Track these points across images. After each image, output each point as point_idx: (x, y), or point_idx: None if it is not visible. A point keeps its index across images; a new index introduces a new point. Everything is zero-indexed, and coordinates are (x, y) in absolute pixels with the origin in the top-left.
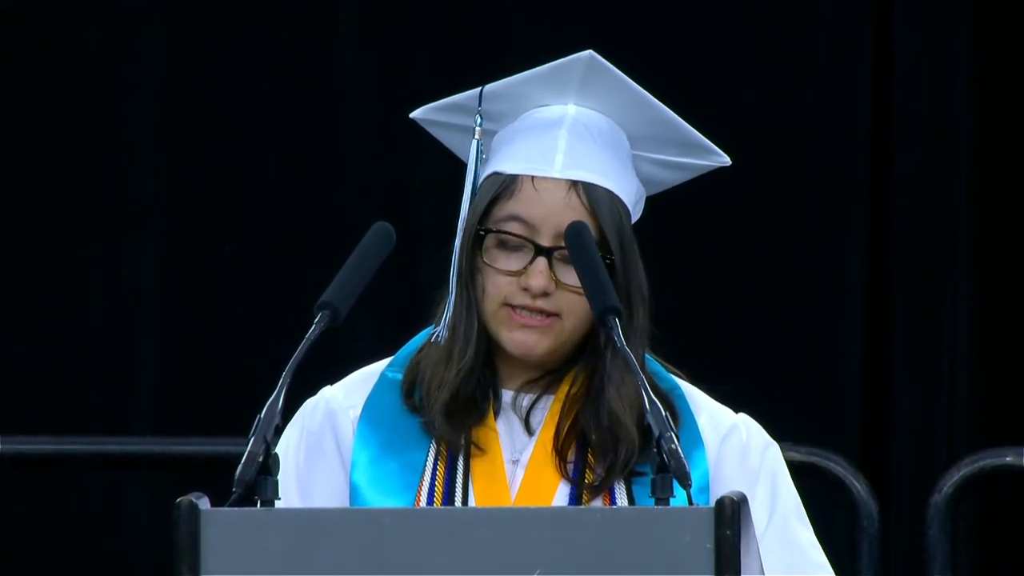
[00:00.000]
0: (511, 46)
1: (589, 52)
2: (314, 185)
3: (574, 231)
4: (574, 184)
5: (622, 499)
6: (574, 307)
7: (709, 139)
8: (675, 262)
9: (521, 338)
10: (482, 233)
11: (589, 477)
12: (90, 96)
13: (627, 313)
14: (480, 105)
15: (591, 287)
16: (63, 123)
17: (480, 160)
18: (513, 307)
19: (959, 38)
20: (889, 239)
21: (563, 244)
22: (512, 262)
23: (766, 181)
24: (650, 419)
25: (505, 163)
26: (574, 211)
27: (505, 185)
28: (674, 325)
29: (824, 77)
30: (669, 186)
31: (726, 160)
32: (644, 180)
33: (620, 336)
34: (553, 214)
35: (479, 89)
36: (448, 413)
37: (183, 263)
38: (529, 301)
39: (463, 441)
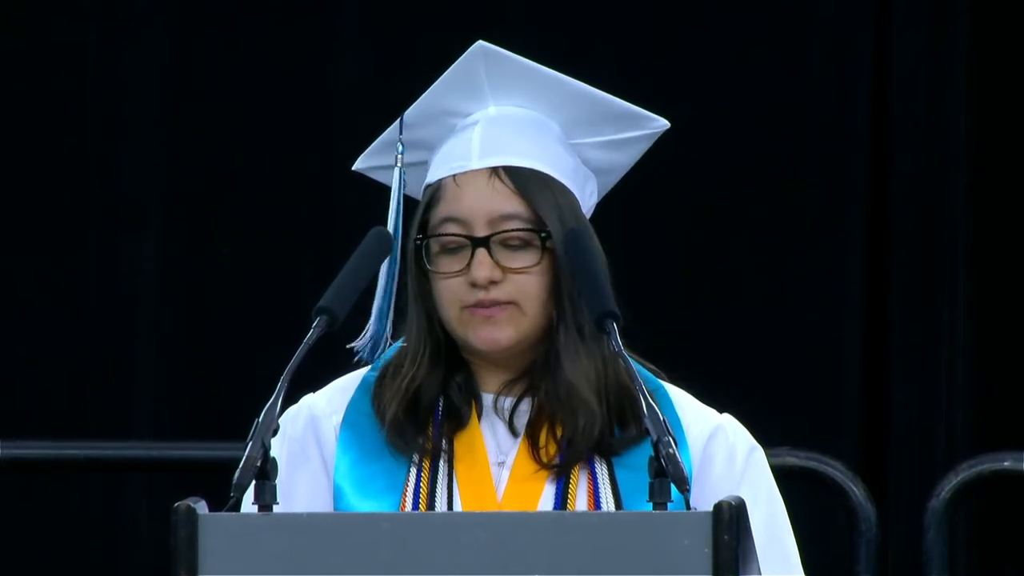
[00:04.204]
0: (511, 47)
1: (479, 43)
2: (313, 188)
3: (571, 237)
4: (494, 170)
5: (604, 484)
6: (528, 289)
7: (707, 141)
8: (673, 263)
9: (486, 334)
10: (418, 242)
11: (574, 478)
12: (90, 96)
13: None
14: (402, 134)
15: (587, 292)
16: (62, 123)
17: (403, 187)
18: (471, 307)
19: (957, 39)
20: (887, 241)
21: (500, 230)
22: (455, 263)
23: (764, 182)
24: (648, 423)
25: (432, 173)
26: (500, 195)
27: (433, 193)
28: (672, 327)
29: (823, 78)
30: (623, 169)
31: (663, 123)
32: (595, 169)
33: (618, 341)
34: (481, 204)
35: (399, 119)
36: (399, 425)
37: (181, 265)
38: (482, 295)
39: (445, 445)
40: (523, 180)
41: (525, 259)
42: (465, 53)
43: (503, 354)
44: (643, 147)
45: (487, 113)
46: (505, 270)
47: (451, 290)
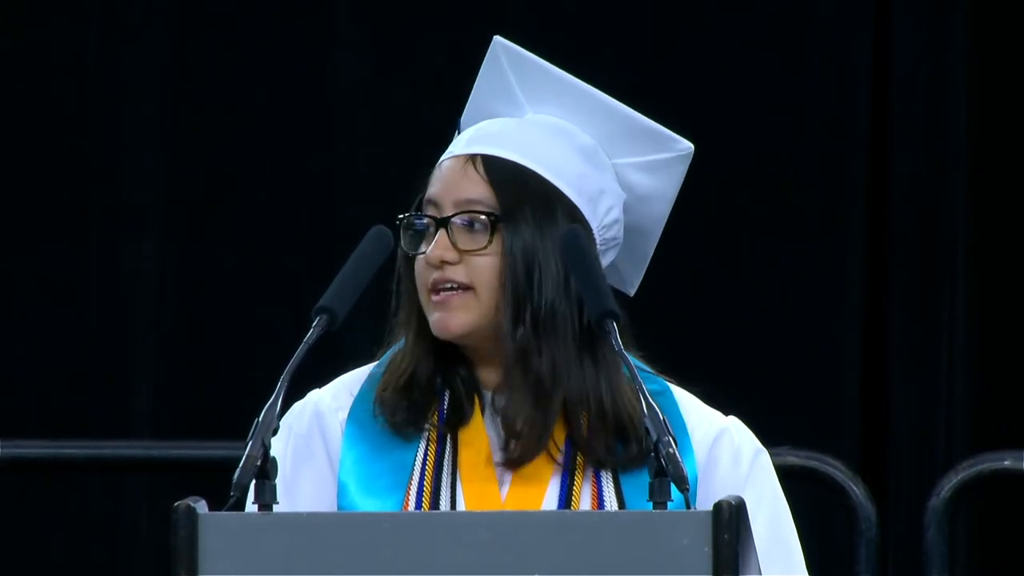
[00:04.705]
0: None
1: (495, 39)
2: (313, 187)
3: (570, 237)
4: (472, 157)
5: (608, 486)
6: (483, 273)
7: (707, 141)
8: (673, 264)
9: (439, 317)
10: (397, 223)
11: (579, 478)
12: (90, 96)
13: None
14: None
15: (587, 291)
16: (62, 123)
17: None
18: (432, 291)
19: (957, 39)
20: (887, 241)
21: (461, 211)
22: (424, 244)
23: (764, 183)
24: (648, 423)
25: None
26: (470, 181)
27: (429, 179)
28: (671, 328)
29: (822, 79)
30: (664, 200)
31: (688, 145)
32: (640, 196)
33: (618, 340)
34: (451, 186)
35: (456, 126)
36: (392, 405)
37: (182, 265)
38: (437, 275)
39: (448, 440)
40: (497, 170)
41: (479, 241)
42: (487, 52)
43: (462, 341)
44: (678, 173)
45: (519, 119)
46: (461, 252)
47: (419, 271)
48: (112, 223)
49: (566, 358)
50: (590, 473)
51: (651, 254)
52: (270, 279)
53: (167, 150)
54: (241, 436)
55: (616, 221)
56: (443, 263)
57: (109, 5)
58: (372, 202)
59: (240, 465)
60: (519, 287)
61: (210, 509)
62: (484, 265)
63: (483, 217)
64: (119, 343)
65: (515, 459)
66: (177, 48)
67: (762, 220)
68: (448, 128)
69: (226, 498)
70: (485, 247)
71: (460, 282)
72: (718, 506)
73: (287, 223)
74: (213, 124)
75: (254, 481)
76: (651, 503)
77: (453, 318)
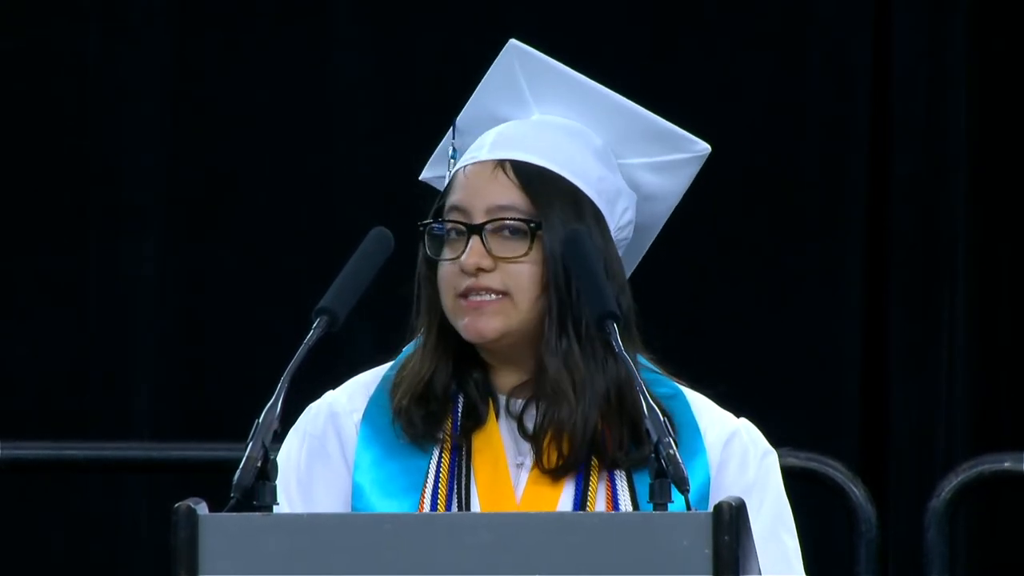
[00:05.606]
0: None
1: (511, 42)
2: (313, 188)
3: (571, 238)
4: (501, 162)
5: (623, 489)
6: (520, 280)
7: (707, 141)
8: (672, 264)
9: (472, 323)
10: (422, 229)
11: (594, 479)
12: (90, 96)
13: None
14: (454, 138)
15: (588, 292)
16: (62, 123)
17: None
18: (463, 296)
19: (957, 40)
20: (887, 241)
21: (496, 218)
22: (453, 250)
23: (764, 182)
24: (648, 424)
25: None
26: (501, 186)
27: (449, 183)
28: (671, 328)
29: (822, 79)
30: (674, 197)
31: (705, 147)
32: (648, 195)
33: (619, 341)
34: (481, 192)
35: (452, 125)
36: (408, 413)
37: (182, 266)
38: (471, 282)
39: (464, 444)
40: (527, 175)
41: (517, 248)
42: (500, 53)
43: (492, 346)
44: (690, 173)
45: (530, 120)
46: (496, 259)
47: (447, 277)
48: (112, 223)
49: (596, 363)
50: (604, 474)
51: (645, 251)
52: (270, 279)
53: (167, 150)
54: (241, 437)
55: (630, 222)
56: (479, 270)
57: (109, 5)
58: (372, 202)
59: (240, 466)
60: (562, 294)
61: (210, 510)
62: (522, 272)
63: (520, 223)
64: (119, 343)
65: (546, 466)
66: (177, 48)
67: (762, 220)
68: (449, 129)
69: (226, 499)
70: (525, 254)
71: (496, 289)
72: (718, 507)
73: (287, 223)
74: (213, 124)
75: (266, 483)
76: (651, 504)
77: (487, 323)
